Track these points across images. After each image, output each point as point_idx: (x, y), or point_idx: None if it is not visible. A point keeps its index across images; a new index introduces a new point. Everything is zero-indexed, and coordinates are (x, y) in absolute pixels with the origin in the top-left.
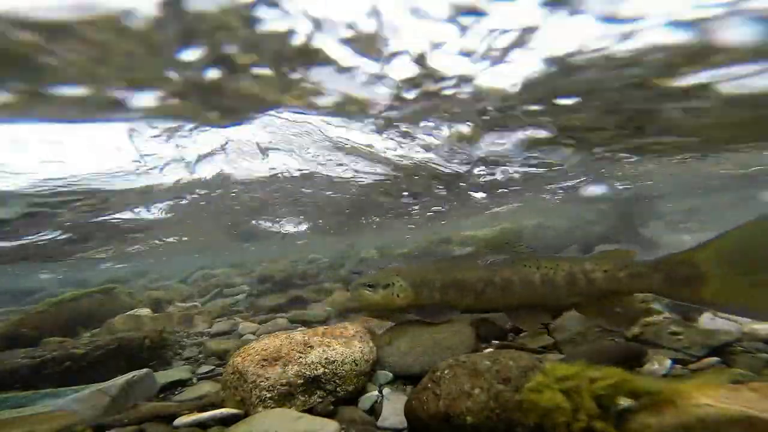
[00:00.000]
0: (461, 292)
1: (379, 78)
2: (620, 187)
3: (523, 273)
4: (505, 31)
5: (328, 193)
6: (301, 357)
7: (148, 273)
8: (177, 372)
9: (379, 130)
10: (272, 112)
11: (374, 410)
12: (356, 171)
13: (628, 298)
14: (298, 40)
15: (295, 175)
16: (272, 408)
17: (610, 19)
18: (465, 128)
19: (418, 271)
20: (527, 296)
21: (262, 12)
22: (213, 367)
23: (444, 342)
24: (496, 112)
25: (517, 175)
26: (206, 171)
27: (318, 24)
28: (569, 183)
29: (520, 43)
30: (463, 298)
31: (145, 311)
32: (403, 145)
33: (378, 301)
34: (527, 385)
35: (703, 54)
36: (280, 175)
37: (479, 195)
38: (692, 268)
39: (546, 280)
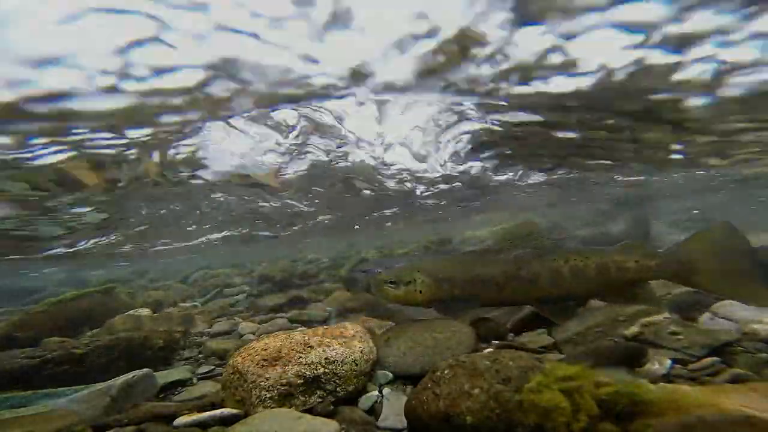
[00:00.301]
0: (484, 285)
1: None
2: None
3: (552, 265)
4: None
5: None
6: (301, 357)
7: (148, 273)
8: (177, 372)
9: None
10: None
11: (374, 410)
12: None
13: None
14: None
15: None
16: (272, 408)
17: None
18: None
19: (440, 266)
20: (558, 287)
21: None
22: (213, 367)
23: (444, 342)
24: None
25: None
26: None
27: None
28: None
29: None
30: (487, 291)
31: (145, 311)
32: None
33: (400, 297)
34: (527, 385)
35: None
36: None
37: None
38: (691, 258)
39: (576, 271)
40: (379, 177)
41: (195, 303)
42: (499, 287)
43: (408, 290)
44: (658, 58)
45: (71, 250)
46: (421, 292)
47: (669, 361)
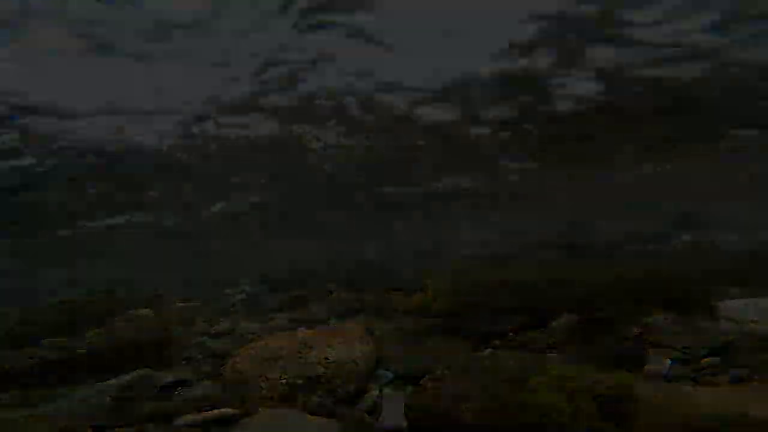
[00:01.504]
0: (511, 293)
1: None
2: None
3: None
4: None
5: None
6: (301, 357)
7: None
8: (177, 372)
9: None
10: None
11: (374, 410)
12: None
13: None
14: None
15: None
16: (272, 408)
17: None
18: None
19: (456, 272)
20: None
21: None
22: (213, 367)
23: (444, 343)
24: None
25: None
26: None
27: None
28: None
29: None
30: (511, 300)
31: (145, 311)
32: None
33: (408, 306)
34: (527, 385)
35: None
36: None
37: None
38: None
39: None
40: None
41: (195, 303)
42: (529, 295)
43: (417, 298)
44: None
45: None
46: (435, 300)
47: (669, 361)
